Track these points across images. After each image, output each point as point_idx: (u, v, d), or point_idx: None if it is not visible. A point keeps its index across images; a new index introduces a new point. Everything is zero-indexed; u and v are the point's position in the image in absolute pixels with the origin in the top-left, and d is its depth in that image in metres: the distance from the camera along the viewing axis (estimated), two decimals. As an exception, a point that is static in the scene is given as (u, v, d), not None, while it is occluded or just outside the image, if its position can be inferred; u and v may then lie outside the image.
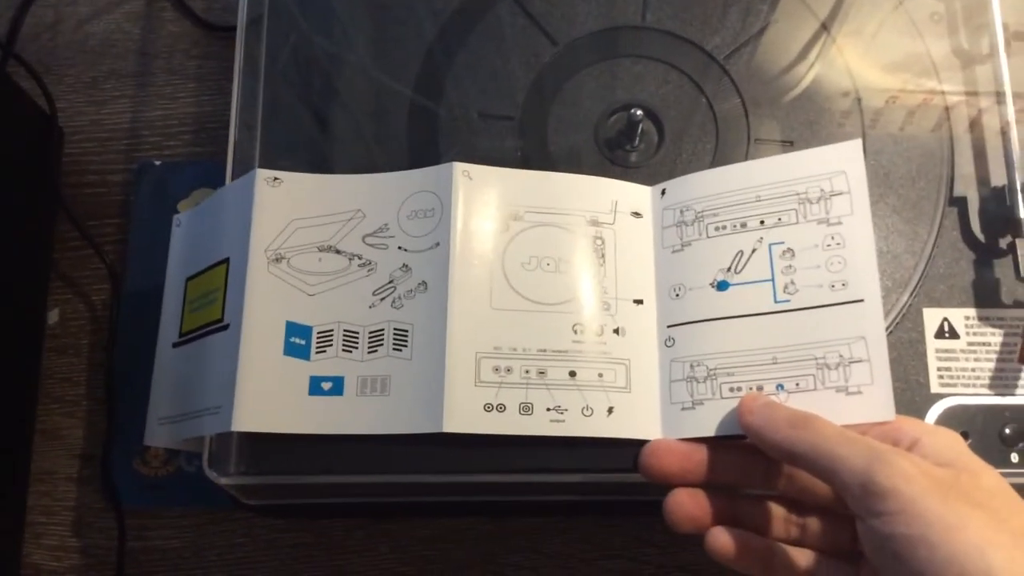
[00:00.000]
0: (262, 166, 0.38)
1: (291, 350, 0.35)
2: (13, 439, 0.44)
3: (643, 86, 0.41)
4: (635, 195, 0.37)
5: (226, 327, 0.36)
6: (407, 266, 0.35)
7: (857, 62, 0.42)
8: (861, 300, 0.33)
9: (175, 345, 0.39)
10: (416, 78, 0.41)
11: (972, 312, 0.38)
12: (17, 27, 0.52)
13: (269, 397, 0.34)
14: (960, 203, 0.40)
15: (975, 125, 0.41)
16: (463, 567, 0.44)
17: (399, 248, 0.36)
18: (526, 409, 0.33)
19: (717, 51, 0.41)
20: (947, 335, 0.38)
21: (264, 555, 0.44)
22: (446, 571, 0.44)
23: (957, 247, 0.39)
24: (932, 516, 0.25)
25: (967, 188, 0.40)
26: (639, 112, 0.39)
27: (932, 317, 0.38)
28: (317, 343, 0.35)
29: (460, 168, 0.36)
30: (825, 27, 0.42)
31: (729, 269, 0.35)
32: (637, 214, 0.37)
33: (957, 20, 0.42)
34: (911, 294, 0.38)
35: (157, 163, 0.50)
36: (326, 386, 0.34)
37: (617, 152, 0.40)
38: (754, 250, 0.35)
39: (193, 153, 0.50)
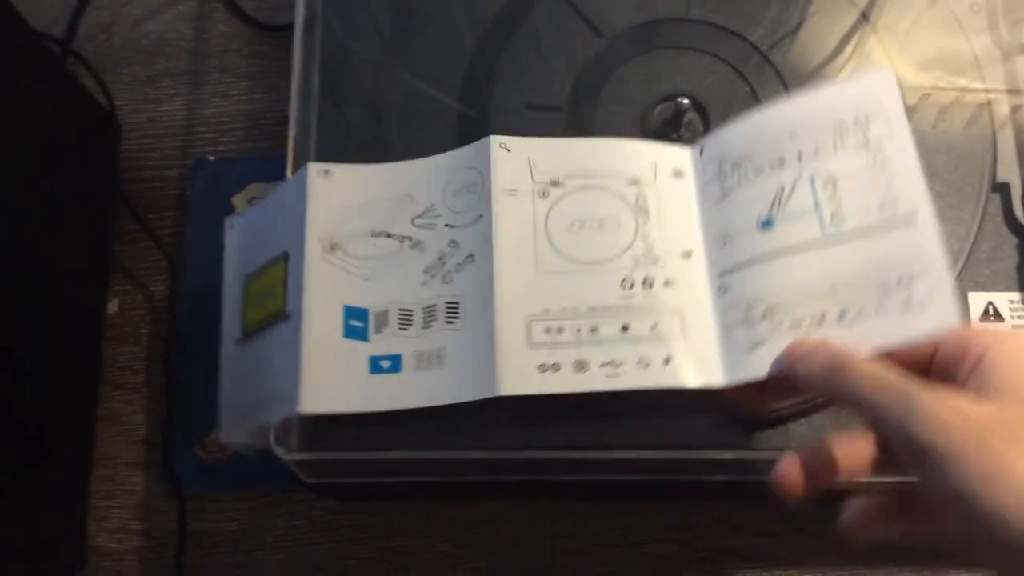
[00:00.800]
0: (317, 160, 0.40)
1: (350, 333, 0.37)
2: (77, 425, 0.46)
3: (688, 77, 0.42)
4: (674, 156, 0.38)
5: (288, 317, 0.37)
6: (454, 242, 0.37)
7: (897, 51, 0.42)
8: (914, 212, 0.32)
9: (239, 342, 0.40)
10: (464, 72, 0.42)
11: (1016, 296, 0.39)
12: (74, 28, 0.53)
13: (333, 379, 0.35)
14: (1003, 189, 0.40)
15: (1017, 112, 0.41)
16: (512, 548, 0.45)
17: (446, 226, 0.37)
18: (580, 366, 0.34)
19: (760, 42, 0.42)
20: (992, 318, 0.39)
21: (320, 536, 0.46)
22: (496, 552, 0.45)
23: (1001, 232, 0.40)
24: (970, 468, 0.24)
25: (1009, 174, 0.40)
26: (685, 101, 0.40)
27: (977, 301, 0.39)
28: (374, 324, 0.36)
29: (497, 141, 0.37)
30: (865, 16, 0.43)
31: (772, 207, 0.35)
32: (678, 173, 0.37)
33: (997, 13, 0.43)
34: (956, 278, 0.39)
35: (211, 158, 0.51)
36: (385, 364, 0.36)
37: (663, 141, 0.41)
38: (795, 184, 0.34)
39: (246, 148, 0.52)
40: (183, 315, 0.48)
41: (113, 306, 0.49)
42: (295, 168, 0.40)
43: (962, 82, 0.42)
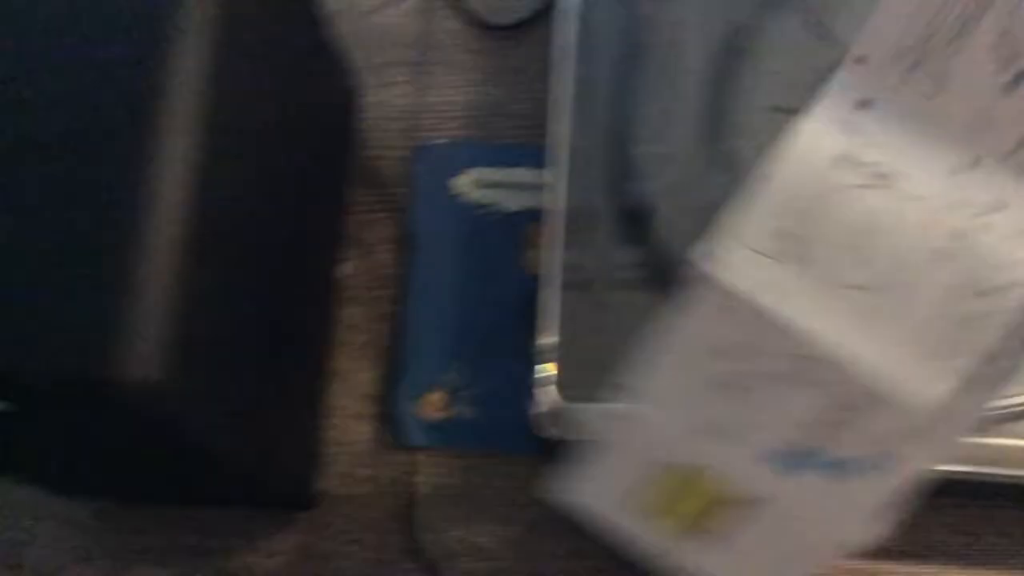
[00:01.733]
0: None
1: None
2: (314, 377, 0.49)
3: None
4: None
5: None
6: None
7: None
8: None
9: None
10: (712, 74, 0.46)
11: None
12: (311, 15, 0.58)
13: None
14: None
15: None
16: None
17: None
18: None
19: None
20: None
21: (534, 498, 0.49)
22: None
23: None
24: None
25: None
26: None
27: None
28: None
29: None
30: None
31: None
32: None
33: None
34: None
35: (435, 142, 0.55)
36: None
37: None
38: None
39: (466, 135, 0.56)
40: (408, 282, 0.52)
41: (348, 268, 0.53)
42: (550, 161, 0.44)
43: None
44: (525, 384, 0.50)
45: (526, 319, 0.51)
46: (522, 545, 0.48)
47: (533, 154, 0.55)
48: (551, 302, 0.44)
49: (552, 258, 0.44)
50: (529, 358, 0.49)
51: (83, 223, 0.27)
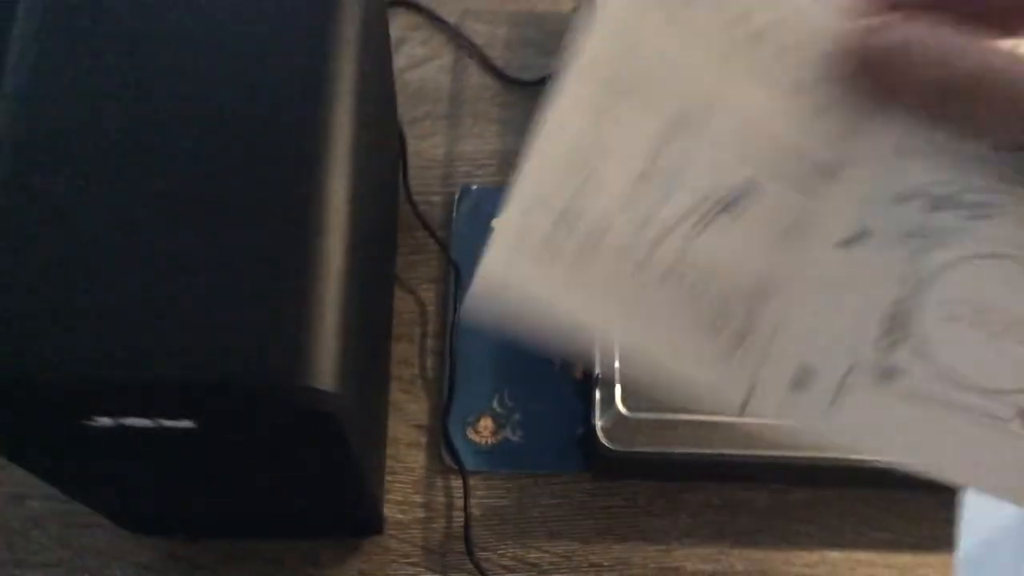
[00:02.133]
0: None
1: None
2: (382, 406, 0.53)
3: None
4: None
5: None
6: None
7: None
8: None
9: None
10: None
11: None
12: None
13: None
14: None
15: None
16: (754, 532, 0.51)
17: None
18: None
19: None
20: None
21: (580, 514, 0.52)
22: (736, 533, 0.51)
23: None
24: None
25: None
26: None
27: None
28: None
29: None
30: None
31: None
32: None
33: None
34: None
35: (474, 187, 0.60)
36: None
37: None
38: None
39: (498, 181, 0.60)
40: (457, 316, 0.56)
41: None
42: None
43: None
44: (567, 407, 0.54)
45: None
46: (571, 558, 0.51)
47: (560, 197, 0.60)
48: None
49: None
50: (571, 383, 0.53)
51: (262, 237, 0.31)
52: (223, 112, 0.32)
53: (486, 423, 0.54)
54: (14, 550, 0.50)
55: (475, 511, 0.52)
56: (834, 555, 0.51)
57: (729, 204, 0.27)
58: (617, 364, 0.46)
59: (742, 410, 0.27)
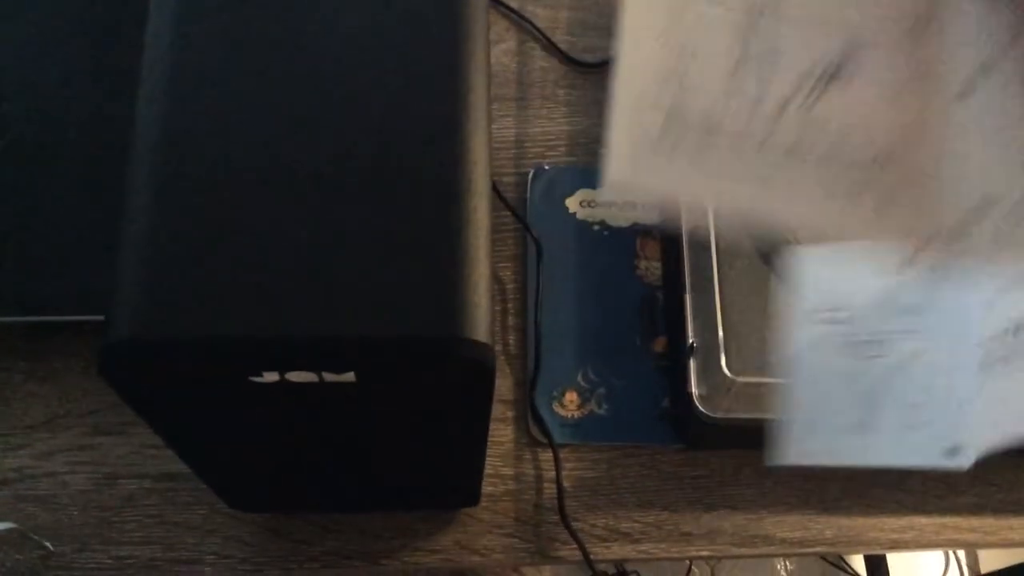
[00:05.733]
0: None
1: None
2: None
3: None
4: None
5: None
6: None
7: None
8: None
9: None
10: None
11: None
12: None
13: None
14: None
15: None
16: (841, 499, 0.52)
17: None
18: None
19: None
20: None
21: (668, 484, 0.53)
22: (824, 501, 0.52)
23: None
24: None
25: None
26: None
27: None
28: None
29: None
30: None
31: None
32: None
33: None
34: None
35: (547, 167, 0.60)
36: None
37: None
38: None
39: (568, 161, 0.61)
40: (539, 293, 0.56)
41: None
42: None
43: None
44: (650, 381, 0.54)
45: (643, 322, 0.56)
46: (661, 527, 0.52)
47: (630, 176, 0.61)
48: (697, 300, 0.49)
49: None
50: (651, 358, 0.54)
51: (419, 200, 0.32)
52: (372, 88, 0.33)
53: (571, 397, 0.54)
54: (109, 528, 0.50)
55: (566, 483, 0.53)
56: (921, 520, 0.52)
57: (835, 73, 0.27)
58: (720, 332, 0.46)
59: (911, 264, 0.27)
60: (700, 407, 0.47)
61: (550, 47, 0.64)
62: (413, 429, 0.38)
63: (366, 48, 0.34)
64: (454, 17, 0.35)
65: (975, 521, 0.52)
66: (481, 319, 0.31)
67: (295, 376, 0.30)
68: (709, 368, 0.47)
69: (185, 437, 0.36)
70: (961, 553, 1.29)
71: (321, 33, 0.34)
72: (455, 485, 0.47)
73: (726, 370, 0.45)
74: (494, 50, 0.64)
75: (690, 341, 0.49)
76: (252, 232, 0.31)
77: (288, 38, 0.34)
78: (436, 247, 0.31)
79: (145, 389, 0.31)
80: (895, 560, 1.22)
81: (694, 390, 0.47)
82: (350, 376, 0.31)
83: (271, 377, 0.30)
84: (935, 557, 1.29)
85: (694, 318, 0.49)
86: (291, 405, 0.33)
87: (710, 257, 0.49)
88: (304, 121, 0.33)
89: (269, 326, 0.30)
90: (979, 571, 1.23)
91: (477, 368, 0.31)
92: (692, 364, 0.48)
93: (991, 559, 1.20)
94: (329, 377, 0.31)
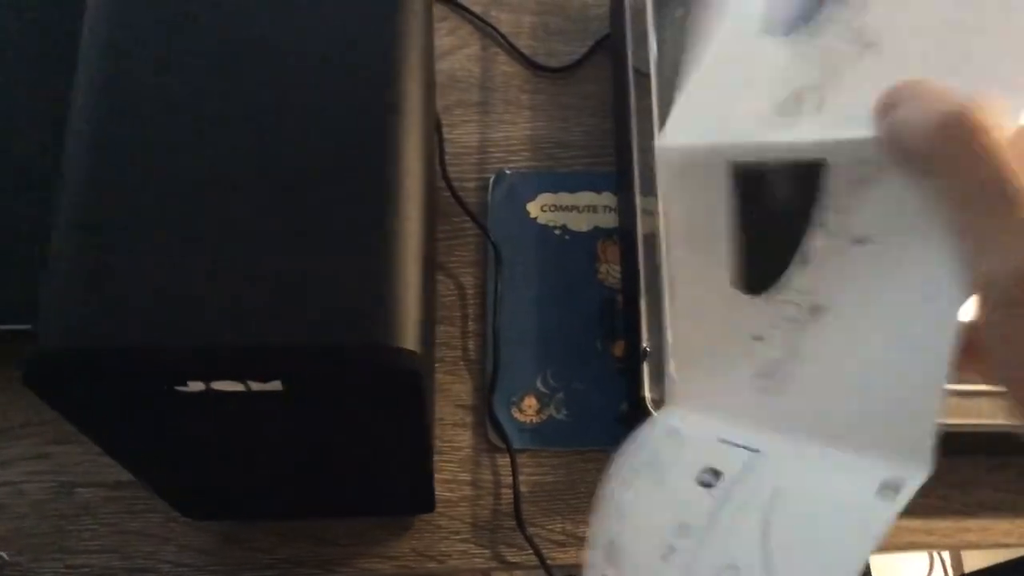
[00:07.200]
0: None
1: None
2: (432, 385, 0.53)
3: None
4: None
5: None
6: None
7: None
8: None
9: None
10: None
11: None
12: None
13: None
14: None
15: None
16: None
17: None
18: None
19: None
20: None
21: (627, 489, 0.53)
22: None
23: None
24: None
25: None
26: None
27: None
28: None
29: None
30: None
31: None
32: None
33: None
34: None
35: (508, 171, 0.60)
36: None
37: None
38: None
39: (531, 166, 0.61)
40: (498, 298, 0.56)
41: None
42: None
43: None
44: (609, 386, 0.54)
45: (604, 326, 0.56)
46: (620, 534, 0.52)
47: (592, 180, 0.61)
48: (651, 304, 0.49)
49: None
50: (611, 362, 0.54)
51: (347, 208, 0.32)
52: (305, 94, 0.33)
53: (530, 402, 0.54)
54: (65, 537, 0.50)
55: (524, 488, 0.53)
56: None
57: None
58: (669, 334, 0.46)
59: None
60: (653, 412, 0.46)
61: (513, 52, 0.64)
62: (349, 437, 0.38)
63: (304, 46, 0.34)
64: (391, 23, 0.35)
65: (932, 524, 0.52)
66: (409, 327, 0.31)
67: (221, 385, 0.30)
68: (662, 372, 0.47)
69: (121, 446, 0.36)
70: (946, 554, 1.29)
71: (260, 40, 0.34)
72: (407, 491, 0.47)
73: (675, 375, 0.45)
74: (457, 55, 0.64)
75: (643, 345, 0.49)
76: (179, 241, 0.31)
77: (221, 49, 0.34)
78: (364, 254, 0.31)
79: (70, 400, 0.31)
80: (878, 561, 1.22)
81: (647, 394, 0.47)
82: (276, 385, 0.31)
83: (196, 387, 0.30)
84: (919, 558, 1.29)
85: (648, 322, 0.49)
86: (221, 414, 0.33)
87: (663, 260, 0.49)
88: (233, 128, 0.33)
89: (193, 335, 0.30)
90: (963, 571, 1.23)
91: (404, 376, 0.31)
92: (645, 368, 0.48)
93: (974, 558, 1.20)
94: (256, 386, 0.31)
